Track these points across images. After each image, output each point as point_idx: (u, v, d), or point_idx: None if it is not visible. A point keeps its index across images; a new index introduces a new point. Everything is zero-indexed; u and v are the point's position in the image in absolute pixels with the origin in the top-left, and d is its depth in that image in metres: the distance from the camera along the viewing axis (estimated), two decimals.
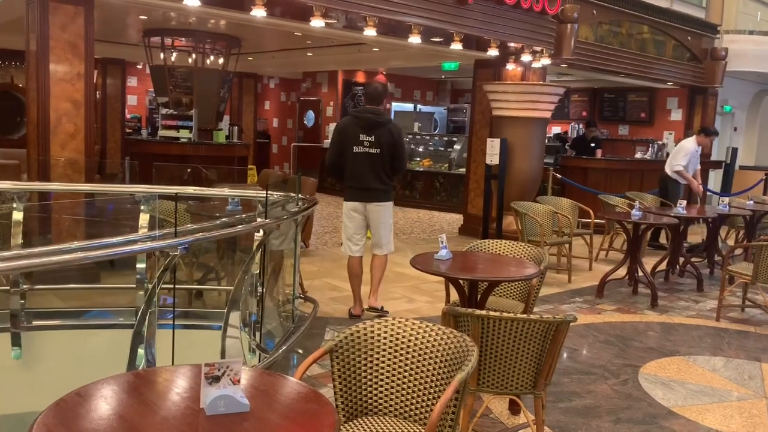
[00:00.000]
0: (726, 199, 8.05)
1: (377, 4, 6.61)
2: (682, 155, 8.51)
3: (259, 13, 5.98)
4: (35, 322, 4.51)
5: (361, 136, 5.16)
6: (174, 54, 10.64)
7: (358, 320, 5.28)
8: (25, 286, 4.47)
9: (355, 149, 5.16)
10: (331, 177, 13.13)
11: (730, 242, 8.95)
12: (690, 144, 8.56)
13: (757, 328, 5.72)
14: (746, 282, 5.83)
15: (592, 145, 11.26)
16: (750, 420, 3.80)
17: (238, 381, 1.74)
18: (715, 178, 12.58)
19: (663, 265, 7.27)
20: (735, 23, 12.45)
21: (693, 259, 7.50)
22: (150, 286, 3.48)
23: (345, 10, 6.54)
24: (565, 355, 4.71)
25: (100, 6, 6.11)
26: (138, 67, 14.47)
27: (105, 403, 1.75)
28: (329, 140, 13.84)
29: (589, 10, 9.28)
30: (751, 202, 8.33)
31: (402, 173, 5.70)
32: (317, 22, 6.43)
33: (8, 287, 4.33)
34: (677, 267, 7.51)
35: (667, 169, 8.72)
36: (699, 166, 8.82)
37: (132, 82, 14.70)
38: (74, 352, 4.49)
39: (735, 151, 11.58)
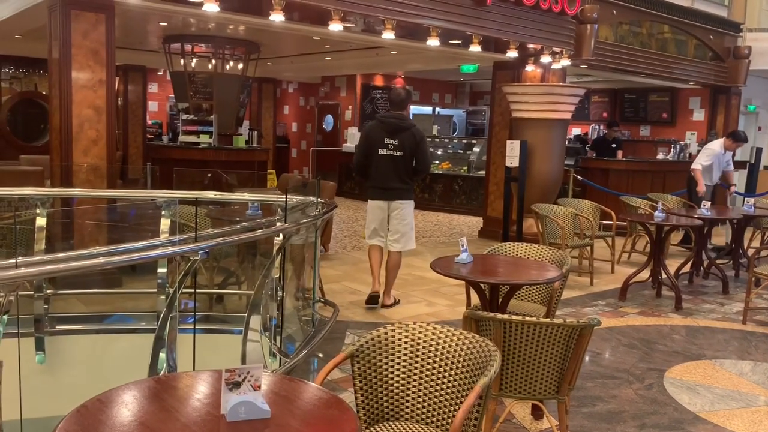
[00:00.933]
0: (751, 200, 7.92)
1: (395, 7, 6.60)
2: (705, 156, 8.38)
3: (277, 17, 6.00)
4: (58, 327, 4.56)
5: (386, 140, 5.52)
6: (194, 60, 10.73)
7: (375, 302, 5.75)
8: (48, 291, 4.52)
9: (380, 152, 5.54)
10: (354, 179, 13.25)
11: (755, 244, 8.79)
12: (715, 146, 8.42)
13: None
14: None
15: (614, 145, 11.15)
16: None
17: (259, 387, 1.73)
18: (739, 179, 12.37)
19: (687, 267, 7.16)
20: (758, 21, 12.24)
21: (718, 261, 7.38)
22: (171, 290, 3.50)
23: (363, 14, 6.54)
24: (588, 359, 4.65)
25: (121, 13, 6.18)
26: (159, 73, 14.62)
27: (126, 409, 1.75)
28: (348, 144, 13.78)
29: (609, 10, 9.19)
30: None
31: (425, 174, 6.05)
32: (335, 26, 6.43)
33: (32, 292, 4.38)
34: (701, 269, 7.39)
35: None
36: (732, 168, 8.63)
37: (153, 88, 14.85)
38: (97, 356, 4.53)
39: (759, 150, 11.39)
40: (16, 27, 8.43)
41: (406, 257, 7.82)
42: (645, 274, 6.48)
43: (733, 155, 8.84)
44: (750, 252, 7.21)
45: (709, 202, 7.41)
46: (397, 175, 5.54)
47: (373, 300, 5.75)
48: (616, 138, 11.39)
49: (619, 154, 11.10)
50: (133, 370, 3.35)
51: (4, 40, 9.94)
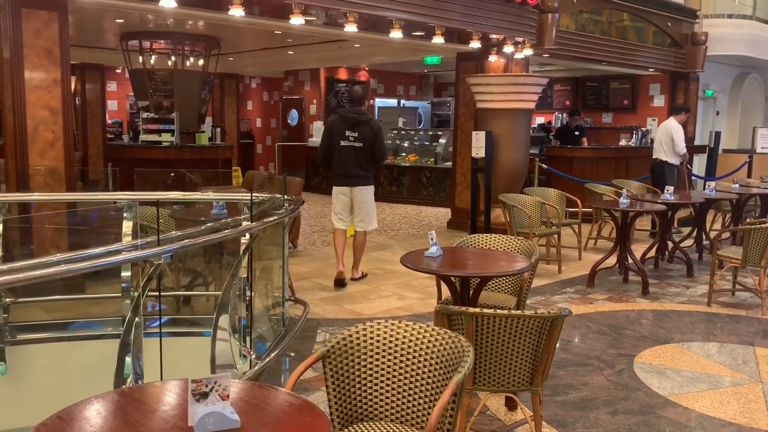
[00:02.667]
0: (712, 184, 8.07)
1: (357, 0, 6.53)
2: (680, 137, 8.74)
3: (237, 12, 5.89)
4: (20, 336, 4.42)
5: (347, 132, 6.13)
6: (153, 57, 10.49)
7: (342, 284, 6.23)
8: (7, 300, 4.38)
9: (342, 143, 6.14)
10: (320, 174, 13.19)
11: (717, 226, 8.98)
12: (676, 124, 8.81)
13: (748, 312, 5.72)
14: (736, 266, 5.84)
15: (576, 133, 11.27)
16: (746, 405, 3.79)
17: (227, 396, 1.68)
18: (699, 163, 12.64)
19: (652, 252, 7.27)
20: (714, 7, 12.48)
21: (681, 244, 7.51)
22: (135, 294, 3.41)
23: (325, 7, 6.46)
24: (558, 346, 4.68)
25: (74, 11, 6.00)
26: (117, 71, 14.29)
27: (88, 426, 1.68)
28: (314, 138, 13.72)
29: None
30: (737, 185, 8.37)
31: (382, 162, 6.72)
32: (297, 20, 6.34)
33: None
34: (666, 253, 7.52)
35: (663, 156, 8.87)
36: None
37: (112, 86, 14.52)
38: (61, 364, 4.41)
39: (718, 135, 11.62)
40: None
41: (377, 251, 7.82)
42: (612, 260, 6.56)
43: (693, 138, 9.20)
44: (712, 235, 7.35)
45: (672, 187, 7.53)
46: (358, 163, 6.15)
47: (340, 283, 6.24)
48: (578, 126, 11.50)
49: (584, 141, 11.22)
50: (99, 377, 3.27)
51: None
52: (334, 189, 6.31)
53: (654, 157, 9.07)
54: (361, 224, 6.31)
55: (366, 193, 6.27)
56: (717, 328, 5.28)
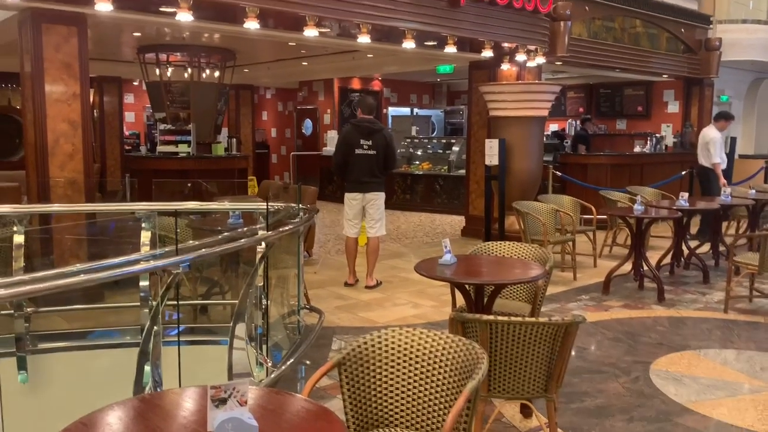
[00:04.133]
0: (728, 189, 8.03)
1: (370, 11, 6.60)
2: (715, 147, 8.75)
3: (252, 25, 5.97)
4: (41, 345, 4.49)
5: (361, 141, 6.36)
6: (170, 69, 10.65)
7: (352, 288, 6.56)
8: (29, 309, 4.45)
9: (357, 151, 6.37)
10: (335, 182, 13.26)
11: (731, 232, 8.93)
12: (715, 133, 8.81)
13: (766, 319, 5.68)
14: (753, 272, 5.80)
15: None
16: (765, 413, 3.76)
17: (245, 402, 1.72)
18: None
19: (668, 259, 7.24)
20: (728, 13, 12.43)
21: (697, 250, 7.46)
22: (154, 303, 3.46)
23: (338, 19, 6.53)
24: (574, 354, 4.68)
25: (93, 25, 6.12)
26: (134, 84, 14.49)
27: (111, 431, 1.73)
28: (328, 148, 13.83)
29: (582, 6, 9.27)
30: (753, 191, 8.31)
31: (393, 169, 6.99)
32: (311, 32, 6.42)
33: (12, 311, 4.31)
34: (682, 259, 7.48)
35: (704, 162, 9.01)
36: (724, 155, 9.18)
37: (129, 99, 14.71)
38: (81, 373, 4.47)
39: (734, 140, 11.54)
40: None
41: (391, 259, 7.86)
42: (627, 267, 6.54)
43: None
44: (728, 241, 7.30)
45: (687, 194, 7.49)
46: (371, 170, 6.39)
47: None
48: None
49: (581, 148, 11.28)
50: (118, 385, 3.32)
51: None
52: (347, 195, 6.52)
53: (699, 162, 9.19)
54: (373, 230, 6.52)
55: (378, 199, 6.49)
56: (734, 334, 5.24)
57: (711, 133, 8.90)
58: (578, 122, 13.10)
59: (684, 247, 7.37)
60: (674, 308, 5.96)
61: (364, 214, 6.50)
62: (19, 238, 4.39)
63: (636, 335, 5.15)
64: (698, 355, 4.72)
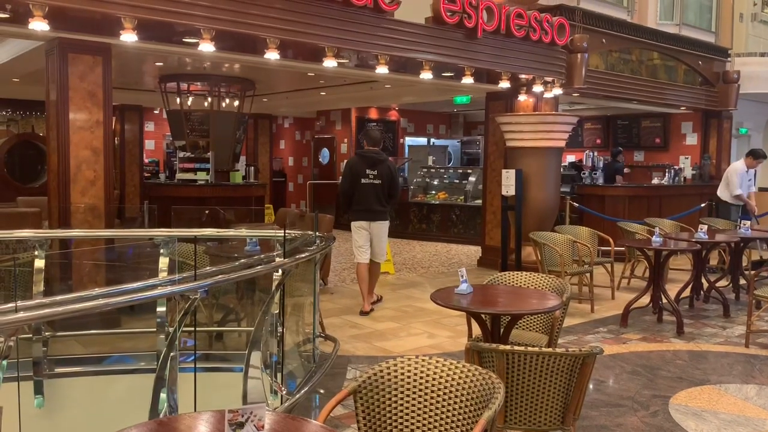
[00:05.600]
0: (747, 222, 7.95)
1: (388, 43, 6.70)
2: (735, 178, 9.00)
3: (272, 56, 6.08)
4: (57, 369, 4.51)
5: (367, 171, 6.64)
6: (190, 98, 10.83)
7: (367, 317, 6.59)
8: (47, 334, 4.49)
9: (363, 181, 6.65)
10: (342, 204, 13.29)
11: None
12: (739, 166, 9.08)
13: None
14: None
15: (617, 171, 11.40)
16: None
17: (263, 427, 1.72)
18: None
19: (687, 292, 7.15)
20: (745, 46, 12.44)
21: (717, 284, 7.37)
22: (171, 329, 3.48)
23: (356, 50, 6.63)
24: (591, 387, 4.61)
25: (117, 55, 6.26)
26: (155, 112, 14.73)
27: None
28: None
29: (599, 39, 9.34)
30: None
31: (397, 198, 7.07)
32: (330, 63, 6.52)
33: (30, 335, 4.35)
34: (702, 293, 7.38)
35: (721, 195, 9.27)
36: (754, 188, 9.34)
37: (149, 127, 14.94)
38: (97, 398, 4.48)
39: (754, 173, 11.45)
40: (13, 71, 8.52)
41: (407, 289, 7.85)
42: (645, 300, 6.47)
43: (755, 174, 9.33)
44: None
45: (706, 226, 7.43)
46: (377, 199, 6.66)
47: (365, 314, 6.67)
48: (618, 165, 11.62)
49: (619, 179, 11.26)
50: (134, 411, 3.32)
51: (2, 83, 10.04)
52: (354, 224, 6.77)
53: (718, 194, 9.51)
54: (375, 257, 6.80)
55: (383, 227, 6.78)
56: (755, 369, 5.14)
57: (735, 165, 9.16)
58: (597, 153, 13.08)
59: (704, 280, 7.29)
60: (694, 342, 5.87)
61: (371, 240, 6.76)
62: (39, 263, 4.45)
63: (655, 369, 5.08)
64: (719, 390, 4.64)
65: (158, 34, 6.01)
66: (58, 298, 3.40)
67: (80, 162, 5.89)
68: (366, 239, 6.72)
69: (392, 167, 6.82)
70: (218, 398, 4.21)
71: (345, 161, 10.52)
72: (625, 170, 11.70)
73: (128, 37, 5.32)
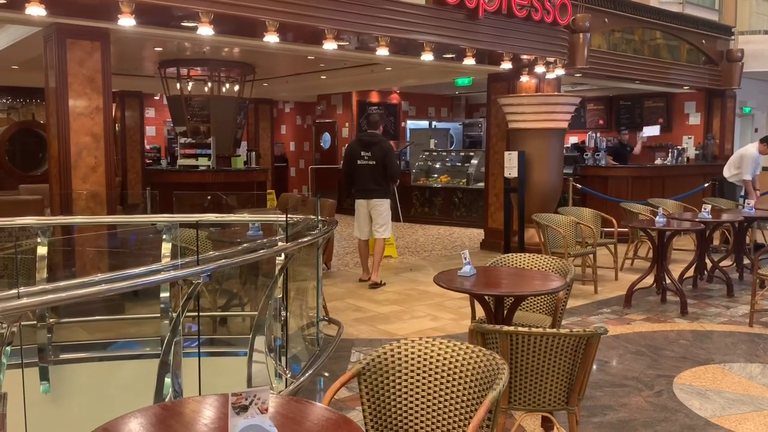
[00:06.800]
0: (751, 202, 7.92)
1: (388, 24, 6.64)
2: (747, 164, 8.85)
3: (272, 39, 6.03)
4: (62, 356, 4.53)
5: (362, 152, 7.10)
6: (190, 84, 10.78)
7: (376, 284, 7.09)
8: (51, 320, 4.50)
9: (359, 162, 7.10)
10: (344, 185, 13.31)
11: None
12: (753, 151, 8.91)
13: None
14: None
15: (628, 149, 11.40)
16: None
17: (266, 410, 1.71)
18: None
19: (691, 272, 7.14)
20: (749, 24, 12.33)
21: (720, 263, 7.36)
22: (174, 315, 3.48)
23: (357, 32, 6.57)
24: (596, 367, 4.61)
25: (116, 40, 6.22)
26: (155, 98, 14.67)
27: None
28: None
29: (601, 18, 9.25)
30: None
31: (396, 177, 7.42)
32: (330, 45, 6.46)
33: (35, 321, 4.36)
34: (705, 272, 7.37)
35: (728, 176, 9.19)
36: (758, 171, 9.20)
37: (150, 113, 14.90)
38: (102, 384, 4.50)
39: None
40: (12, 58, 8.48)
41: (410, 272, 7.84)
42: (649, 280, 6.46)
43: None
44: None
45: (709, 206, 7.40)
46: (373, 179, 7.06)
47: (375, 285, 7.09)
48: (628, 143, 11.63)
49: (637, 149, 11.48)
50: (139, 396, 3.33)
51: (1, 71, 9.99)
52: (356, 202, 7.26)
53: (724, 175, 9.45)
54: (378, 233, 7.18)
55: (382, 204, 7.15)
56: (759, 348, 5.14)
57: (749, 149, 9.02)
58: (599, 134, 13.04)
59: (707, 260, 7.27)
60: (698, 322, 5.87)
61: (371, 217, 7.14)
62: (42, 250, 4.44)
63: (659, 349, 5.08)
64: (723, 369, 4.64)
65: (156, 18, 5.96)
66: (61, 284, 3.41)
67: (81, 148, 5.87)
68: (365, 217, 7.17)
69: (387, 148, 7.13)
70: (223, 383, 4.22)
71: (345, 145, 10.76)
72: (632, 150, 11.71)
73: (126, 22, 5.27)
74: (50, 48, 5.85)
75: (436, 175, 13.07)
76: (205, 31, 5.63)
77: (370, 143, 7.12)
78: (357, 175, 7.14)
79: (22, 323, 4.40)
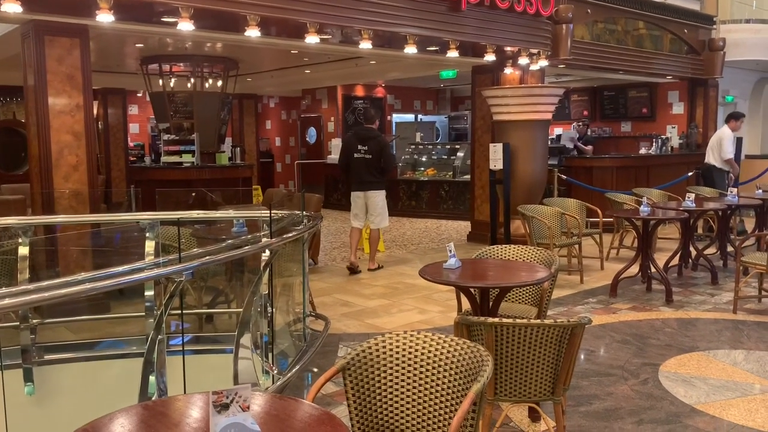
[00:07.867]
0: (734, 189, 7.98)
1: (371, 17, 6.61)
2: (728, 143, 9.36)
3: (253, 33, 5.98)
4: (47, 357, 4.48)
5: (358, 146, 7.37)
6: (173, 80, 10.68)
7: (354, 271, 7.44)
8: (34, 321, 4.45)
9: (355, 155, 7.39)
10: (340, 190, 13.37)
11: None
12: (727, 131, 9.44)
13: None
14: (761, 272, 5.75)
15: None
16: None
17: (248, 407, 1.70)
18: None
19: (675, 260, 7.19)
20: (731, 13, 12.40)
21: (705, 251, 7.41)
22: (158, 313, 3.45)
23: (339, 25, 6.54)
24: (582, 357, 4.64)
25: (95, 37, 6.14)
26: (138, 95, 14.54)
27: None
28: (332, 156, 14.29)
29: (584, 9, 9.26)
30: (761, 191, 8.25)
31: (391, 170, 7.83)
32: (312, 39, 6.43)
33: (18, 322, 4.31)
34: (690, 261, 7.43)
35: (712, 161, 9.58)
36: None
37: (133, 110, 14.76)
38: (87, 384, 4.46)
39: (740, 140, 11.47)
40: None
41: (397, 266, 7.85)
42: (634, 269, 6.50)
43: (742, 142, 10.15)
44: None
45: (693, 195, 7.46)
46: (369, 171, 7.35)
47: (352, 270, 7.46)
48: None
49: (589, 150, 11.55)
50: (125, 395, 3.31)
51: None
52: (352, 194, 7.55)
53: (705, 161, 9.76)
54: (374, 223, 7.50)
55: (377, 196, 7.43)
56: (743, 335, 5.19)
57: (724, 131, 9.46)
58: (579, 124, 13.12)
59: (692, 248, 7.33)
60: (682, 310, 5.92)
61: (367, 209, 7.44)
62: (23, 250, 4.39)
63: (644, 337, 5.11)
64: (707, 357, 4.68)
65: (136, 14, 5.90)
66: (43, 283, 3.37)
67: (62, 147, 5.80)
68: (361, 208, 7.48)
69: (382, 142, 7.43)
70: (209, 380, 4.20)
71: (331, 140, 10.86)
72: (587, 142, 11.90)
73: (104, 18, 5.21)
74: (28, 45, 5.77)
75: (422, 169, 13.07)
76: (186, 26, 5.58)
77: (367, 137, 7.38)
78: (353, 167, 7.41)
79: (5, 324, 4.37)
